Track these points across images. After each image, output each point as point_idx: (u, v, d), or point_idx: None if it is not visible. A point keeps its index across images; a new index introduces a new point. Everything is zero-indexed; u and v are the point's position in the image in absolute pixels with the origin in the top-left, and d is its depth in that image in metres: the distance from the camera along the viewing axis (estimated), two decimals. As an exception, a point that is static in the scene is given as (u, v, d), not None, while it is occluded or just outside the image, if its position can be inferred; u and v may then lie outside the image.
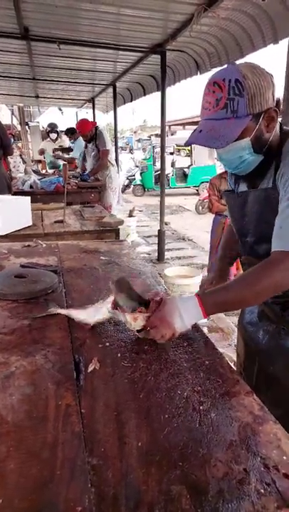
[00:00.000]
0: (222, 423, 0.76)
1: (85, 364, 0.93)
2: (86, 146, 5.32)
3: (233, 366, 1.86)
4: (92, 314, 1.10)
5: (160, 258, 5.29)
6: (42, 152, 7.57)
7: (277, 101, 0.97)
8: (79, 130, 5.10)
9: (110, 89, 7.16)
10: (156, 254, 5.41)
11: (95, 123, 5.16)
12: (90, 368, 0.91)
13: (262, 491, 0.61)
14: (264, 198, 1.05)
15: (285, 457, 0.68)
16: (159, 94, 4.96)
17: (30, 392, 0.82)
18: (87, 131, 4.96)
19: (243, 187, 1.18)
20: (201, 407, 0.80)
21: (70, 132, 6.89)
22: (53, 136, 7.34)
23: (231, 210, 1.23)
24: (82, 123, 5.07)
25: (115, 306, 1.03)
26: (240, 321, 1.37)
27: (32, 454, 0.67)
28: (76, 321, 1.12)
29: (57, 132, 7.35)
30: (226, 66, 0.96)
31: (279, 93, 1.05)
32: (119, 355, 0.96)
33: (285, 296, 1.07)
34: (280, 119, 1.04)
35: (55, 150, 6.90)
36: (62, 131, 7.49)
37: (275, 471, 0.65)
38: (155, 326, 0.96)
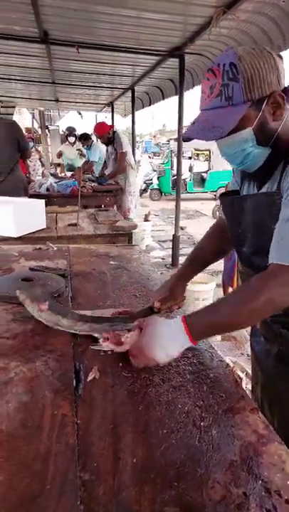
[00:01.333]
0: (223, 441, 0.72)
1: (85, 372, 0.90)
2: (107, 150, 5.35)
3: (243, 376, 1.80)
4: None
5: (174, 263, 5.24)
6: (60, 155, 7.67)
7: (286, 88, 0.85)
8: (96, 133, 5.13)
9: (129, 93, 7.18)
10: (171, 259, 5.36)
11: (112, 126, 5.19)
12: (90, 377, 0.89)
13: (261, 518, 0.57)
14: (266, 204, 0.91)
15: (288, 482, 0.64)
16: (177, 98, 4.95)
17: (27, 399, 0.80)
18: (104, 134, 4.99)
19: (247, 188, 1.04)
20: (201, 423, 0.76)
21: (84, 138, 6.92)
22: (71, 139, 7.42)
23: (227, 215, 1.10)
24: (99, 126, 5.13)
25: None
26: (250, 335, 1.24)
27: (23, 465, 0.65)
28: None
29: (75, 136, 7.43)
30: (223, 52, 0.86)
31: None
32: (120, 364, 0.94)
33: (286, 314, 0.93)
34: None
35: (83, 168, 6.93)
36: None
37: (277, 497, 0.61)
38: (134, 356, 0.89)
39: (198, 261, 1.27)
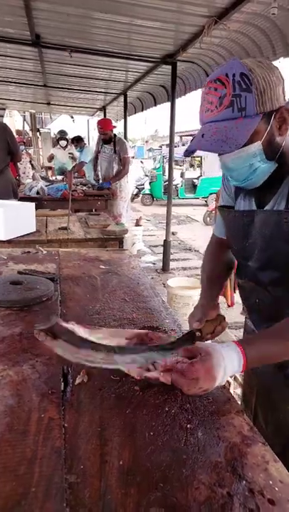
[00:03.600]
0: (209, 443, 0.73)
1: (73, 376, 0.91)
2: (98, 152, 5.37)
3: (231, 381, 1.81)
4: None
5: (165, 268, 5.26)
6: (51, 158, 7.66)
7: (287, 102, 0.84)
8: (100, 126, 5.14)
9: (121, 98, 7.23)
10: (162, 264, 5.38)
11: (115, 127, 5.25)
12: (78, 381, 0.89)
13: (244, 518, 0.58)
14: (275, 222, 0.89)
15: (271, 482, 0.65)
16: (169, 104, 5.00)
17: (13, 403, 0.80)
18: (109, 130, 5.04)
19: (244, 203, 1.02)
20: (188, 426, 0.77)
21: (76, 140, 6.98)
22: (63, 143, 7.42)
23: (231, 229, 1.07)
24: (106, 121, 5.23)
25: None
26: None
27: (8, 469, 0.65)
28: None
29: (66, 140, 7.43)
30: (226, 62, 0.83)
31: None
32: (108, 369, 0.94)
33: None
34: None
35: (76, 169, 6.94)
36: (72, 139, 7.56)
37: (260, 496, 0.62)
38: (196, 378, 0.79)
39: (215, 281, 1.22)
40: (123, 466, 0.67)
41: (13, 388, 0.85)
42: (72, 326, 1.04)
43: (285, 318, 0.86)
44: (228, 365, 0.80)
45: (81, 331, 1.02)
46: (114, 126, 5.25)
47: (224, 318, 1.07)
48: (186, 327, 1.15)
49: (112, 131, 5.07)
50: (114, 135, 5.12)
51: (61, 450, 0.69)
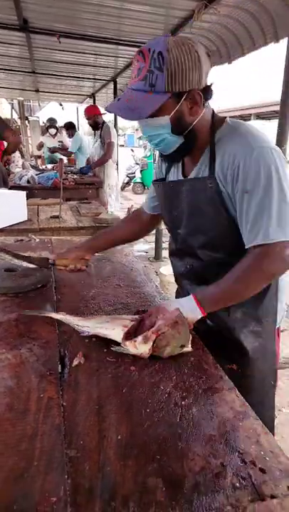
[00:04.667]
0: (203, 418, 0.76)
1: (70, 358, 0.93)
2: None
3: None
4: (95, 325, 1.02)
5: (157, 256, 5.28)
6: (40, 146, 7.54)
7: (207, 86, 0.93)
8: (85, 112, 5.09)
9: (111, 85, 7.11)
10: (154, 252, 5.40)
11: (101, 113, 5.14)
12: (75, 363, 0.91)
13: (237, 484, 0.62)
14: (199, 188, 1.01)
15: (262, 452, 0.68)
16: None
17: (12, 384, 0.82)
18: (91, 115, 4.98)
19: (173, 174, 1.14)
20: (182, 402, 0.80)
21: (67, 127, 6.86)
22: (52, 131, 7.31)
23: (162, 200, 1.19)
24: (90, 107, 5.16)
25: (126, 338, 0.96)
26: None
27: (10, 445, 0.67)
28: (71, 325, 1.05)
29: (56, 128, 7.32)
30: (158, 37, 0.92)
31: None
32: (105, 350, 0.97)
33: None
34: (216, 108, 1.02)
35: (54, 148, 6.89)
36: (61, 127, 7.45)
37: (252, 466, 0.65)
38: (169, 324, 0.92)
39: (110, 237, 1.39)
40: (121, 441, 0.70)
41: (12, 370, 0.87)
42: (63, 315, 1.06)
43: (229, 272, 0.98)
44: (181, 301, 0.97)
45: (73, 320, 1.05)
46: (99, 113, 5.10)
47: (86, 264, 1.31)
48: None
49: (95, 116, 4.97)
50: (104, 122, 5.04)
51: (61, 427, 0.72)
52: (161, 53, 0.86)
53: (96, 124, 5.02)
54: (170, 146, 1.00)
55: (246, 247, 0.95)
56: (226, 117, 1.02)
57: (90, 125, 5.13)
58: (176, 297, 1.33)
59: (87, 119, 5.08)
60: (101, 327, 1.00)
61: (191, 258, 1.13)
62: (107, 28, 4.11)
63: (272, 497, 0.60)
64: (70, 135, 6.85)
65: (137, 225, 1.40)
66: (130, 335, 0.96)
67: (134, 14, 3.65)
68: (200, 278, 1.14)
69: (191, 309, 0.95)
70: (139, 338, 0.92)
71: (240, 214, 0.95)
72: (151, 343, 0.91)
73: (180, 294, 1.29)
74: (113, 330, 0.98)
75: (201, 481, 0.62)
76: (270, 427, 1.14)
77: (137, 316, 1.05)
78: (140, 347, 0.92)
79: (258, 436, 0.72)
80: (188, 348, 0.96)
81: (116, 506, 0.57)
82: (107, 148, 4.95)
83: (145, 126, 0.98)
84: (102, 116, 5.11)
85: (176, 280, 1.32)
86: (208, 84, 0.95)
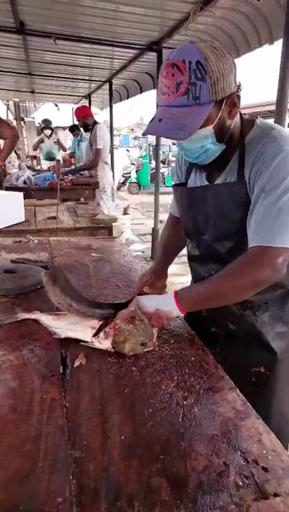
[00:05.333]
0: (205, 418, 0.77)
1: (72, 359, 0.93)
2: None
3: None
4: (66, 326, 1.03)
5: (154, 256, 5.30)
6: (37, 146, 7.50)
7: (239, 85, 0.91)
8: (75, 113, 5.08)
9: (107, 86, 7.12)
10: (150, 252, 5.41)
11: (92, 114, 5.10)
12: (77, 363, 0.91)
13: (240, 483, 0.62)
14: (228, 193, 0.99)
15: (264, 451, 0.69)
16: (155, 92, 4.96)
17: (15, 386, 0.83)
18: (80, 116, 4.94)
19: (195, 179, 1.11)
20: (184, 402, 0.81)
21: (71, 129, 6.89)
22: (47, 132, 7.30)
23: (184, 206, 1.15)
24: (80, 108, 5.12)
25: (96, 333, 0.99)
26: None
27: (14, 447, 0.67)
28: (45, 325, 1.06)
29: (51, 129, 7.31)
30: (184, 46, 0.86)
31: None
32: (106, 350, 0.97)
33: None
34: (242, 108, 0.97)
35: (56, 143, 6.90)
36: (57, 128, 7.45)
37: (255, 464, 0.66)
38: (126, 320, 0.94)
39: (169, 252, 1.35)
40: (124, 441, 0.70)
41: (14, 372, 0.87)
42: (37, 315, 1.09)
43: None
44: (152, 299, 0.99)
45: (48, 319, 1.07)
46: (90, 114, 5.03)
47: (165, 287, 1.28)
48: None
49: (85, 117, 4.90)
50: (95, 123, 4.93)
51: (64, 428, 0.72)
52: (200, 63, 0.82)
53: (86, 126, 4.96)
54: (212, 155, 0.96)
55: (249, 245, 0.92)
56: (254, 119, 0.99)
57: (81, 126, 5.11)
58: None
59: (78, 120, 5.05)
60: (71, 329, 1.02)
61: (216, 263, 1.09)
62: (103, 30, 4.13)
63: (276, 495, 0.60)
64: (78, 137, 6.85)
65: (180, 228, 1.28)
66: (99, 331, 0.99)
67: (129, 16, 3.67)
68: None
69: (168, 306, 0.96)
70: (101, 334, 0.96)
71: (251, 212, 0.93)
72: (111, 339, 0.94)
73: None
74: (82, 332, 1.00)
75: (204, 480, 0.63)
76: None
77: (106, 313, 1.07)
78: (104, 342, 0.96)
79: (259, 435, 0.73)
80: (150, 347, 0.97)
81: (121, 506, 0.58)
82: (95, 154, 4.90)
83: (187, 142, 0.92)
84: (94, 116, 5.06)
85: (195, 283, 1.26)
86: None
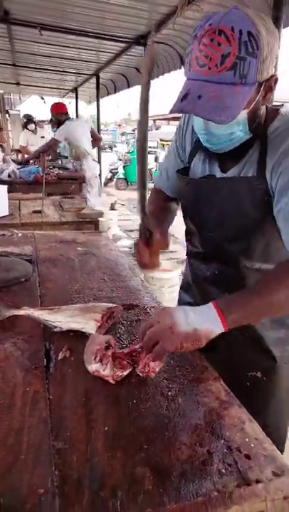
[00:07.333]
0: (189, 408, 0.77)
1: (56, 352, 0.92)
2: None
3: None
4: (67, 319, 1.00)
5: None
6: (24, 147, 7.31)
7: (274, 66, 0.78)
8: (50, 109, 5.00)
9: (94, 80, 7.05)
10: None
11: (66, 112, 5.00)
12: (61, 356, 0.91)
13: (223, 471, 0.63)
14: (246, 189, 0.88)
15: (247, 439, 0.70)
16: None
17: (-3, 379, 0.81)
18: (54, 113, 4.88)
19: (204, 167, 0.97)
20: (169, 393, 0.81)
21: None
22: (31, 126, 7.17)
23: (190, 198, 1.02)
24: (56, 104, 5.03)
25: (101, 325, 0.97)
26: None
27: (-4, 439, 0.66)
28: (40, 321, 1.02)
29: (34, 122, 7.18)
30: (230, 10, 0.71)
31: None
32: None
33: None
34: None
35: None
36: (43, 121, 7.32)
37: (238, 453, 0.67)
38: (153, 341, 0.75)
39: (164, 220, 1.16)
40: (108, 432, 0.70)
41: (-4, 365, 0.86)
42: (27, 311, 1.05)
43: (259, 279, 0.87)
44: (189, 311, 0.75)
45: (42, 314, 1.04)
46: (63, 111, 4.90)
47: (168, 245, 1.05)
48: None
49: (59, 114, 4.82)
50: (67, 119, 4.84)
51: (48, 420, 0.71)
52: (252, 34, 0.69)
53: (59, 123, 4.87)
54: (236, 143, 0.85)
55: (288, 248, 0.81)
56: (279, 108, 0.88)
57: (55, 122, 4.99)
58: (179, 299, 1.27)
59: (52, 116, 4.96)
60: (73, 321, 1.00)
61: (223, 264, 1.01)
62: (90, 22, 4.08)
63: (258, 482, 0.61)
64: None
65: (170, 206, 1.18)
66: (103, 328, 0.98)
67: (116, 9, 3.63)
68: (231, 285, 0.99)
69: (211, 324, 0.75)
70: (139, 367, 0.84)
71: (283, 212, 0.81)
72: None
73: (197, 297, 1.16)
74: (86, 324, 0.98)
75: (188, 469, 0.63)
76: (285, 429, 1.12)
77: (111, 305, 1.06)
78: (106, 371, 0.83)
79: (242, 423, 0.74)
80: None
81: (105, 496, 0.57)
82: (48, 142, 4.83)
83: (218, 127, 0.80)
84: (68, 114, 4.94)
85: (194, 283, 1.16)
86: None
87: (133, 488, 0.59)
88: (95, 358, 0.83)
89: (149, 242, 0.99)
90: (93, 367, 0.83)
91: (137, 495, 0.58)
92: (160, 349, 0.75)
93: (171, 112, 0.78)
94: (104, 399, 0.78)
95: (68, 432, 0.69)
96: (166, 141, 12.83)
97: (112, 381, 0.81)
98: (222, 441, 0.69)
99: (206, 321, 0.75)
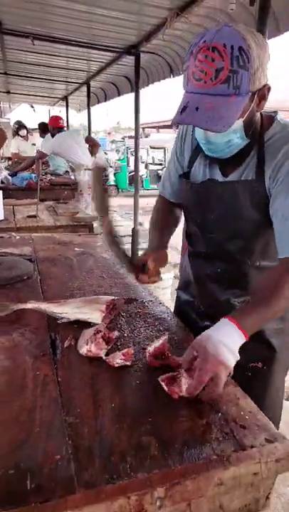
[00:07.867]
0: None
1: (62, 340, 0.98)
2: None
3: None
4: (73, 311, 1.07)
5: (133, 255, 5.34)
6: (16, 154, 7.33)
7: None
8: (49, 121, 5.09)
9: (84, 88, 7.15)
10: (130, 253, 5.45)
11: (62, 126, 5.10)
12: (66, 344, 0.96)
13: (221, 438, 0.69)
14: (244, 192, 0.94)
15: (242, 412, 0.76)
16: (133, 95, 5.04)
17: (8, 364, 0.86)
18: (49, 124, 5.00)
19: (204, 172, 1.03)
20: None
21: (41, 127, 6.77)
22: (23, 132, 7.22)
23: (192, 201, 1.08)
24: (54, 117, 5.13)
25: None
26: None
27: (10, 417, 0.71)
28: (48, 313, 1.09)
29: (26, 128, 7.23)
30: (221, 28, 0.78)
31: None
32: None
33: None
34: None
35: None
36: (33, 130, 7.36)
37: (233, 423, 0.73)
38: (211, 378, 0.75)
39: (166, 232, 1.24)
40: (115, 409, 0.76)
41: (6, 353, 0.91)
42: (34, 304, 1.12)
43: (259, 285, 0.94)
44: (228, 342, 0.78)
45: (49, 307, 1.10)
46: (59, 126, 4.99)
47: (167, 259, 1.17)
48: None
49: (54, 129, 4.91)
50: (58, 132, 4.91)
51: (58, 399, 0.77)
52: (242, 49, 0.75)
53: (52, 134, 4.97)
54: (234, 150, 0.91)
55: (279, 256, 0.88)
56: (273, 115, 0.95)
57: (51, 132, 5.05)
58: (178, 298, 1.33)
59: (49, 128, 5.06)
60: (79, 312, 1.06)
61: (224, 262, 1.06)
62: (80, 32, 4.17)
63: (252, 447, 0.68)
64: (43, 136, 6.75)
65: (173, 208, 1.24)
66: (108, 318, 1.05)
67: (107, 20, 3.73)
68: (233, 281, 1.07)
69: (234, 341, 0.79)
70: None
71: (278, 218, 0.88)
72: None
73: (196, 294, 1.21)
74: (92, 314, 1.05)
75: (189, 438, 0.69)
76: (280, 411, 1.17)
77: (111, 298, 1.12)
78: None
79: (237, 400, 0.80)
80: None
81: (115, 460, 0.63)
82: (36, 155, 4.86)
83: (215, 136, 0.87)
84: (60, 129, 5.01)
85: (195, 281, 1.20)
86: None
87: (140, 454, 0.65)
88: (86, 343, 0.92)
89: (144, 270, 1.09)
90: (84, 348, 0.91)
91: (144, 459, 0.64)
92: (218, 380, 0.76)
93: (172, 123, 0.85)
94: (110, 381, 0.84)
95: (78, 409, 0.74)
96: (156, 148, 13.01)
97: (104, 357, 0.90)
98: (219, 414, 0.76)
99: (235, 344, 0.79)
